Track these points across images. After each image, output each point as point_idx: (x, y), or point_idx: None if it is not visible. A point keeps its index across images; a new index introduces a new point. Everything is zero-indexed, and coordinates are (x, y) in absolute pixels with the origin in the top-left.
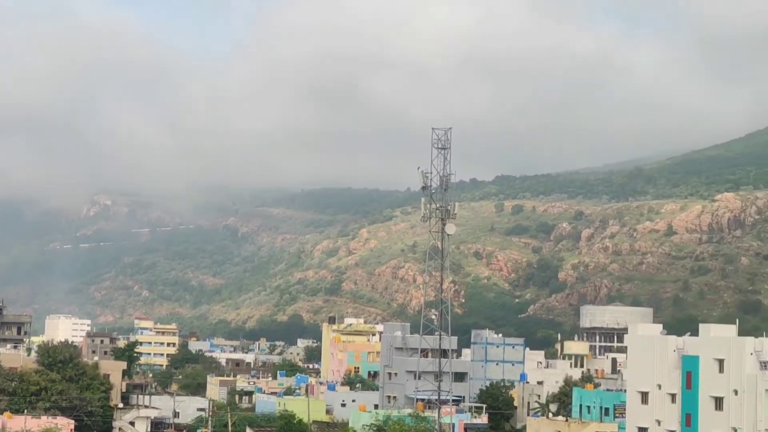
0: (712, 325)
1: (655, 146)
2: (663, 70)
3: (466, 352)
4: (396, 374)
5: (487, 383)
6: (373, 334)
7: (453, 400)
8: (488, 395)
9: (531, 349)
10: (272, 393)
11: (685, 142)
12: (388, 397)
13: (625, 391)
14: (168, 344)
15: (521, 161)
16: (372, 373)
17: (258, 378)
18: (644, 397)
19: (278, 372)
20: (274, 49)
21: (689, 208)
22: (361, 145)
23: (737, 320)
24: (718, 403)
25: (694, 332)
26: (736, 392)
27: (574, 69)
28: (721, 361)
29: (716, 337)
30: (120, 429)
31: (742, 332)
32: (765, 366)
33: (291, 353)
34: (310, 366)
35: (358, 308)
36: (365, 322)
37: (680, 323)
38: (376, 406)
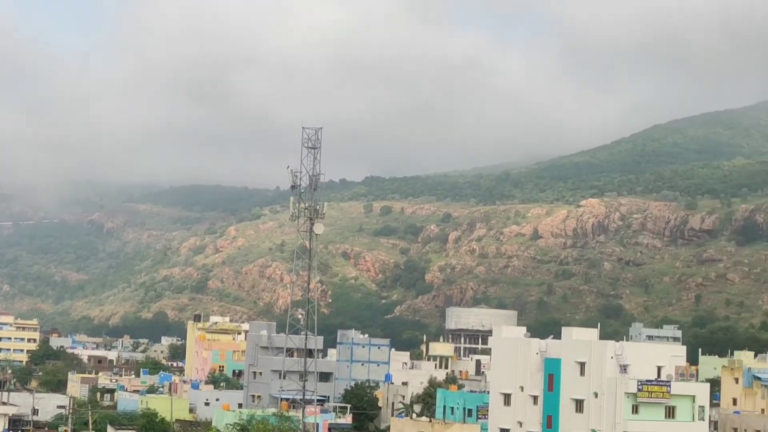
0: (574, 328)
1: (522, 151)
2: (532, 76)
3: (332, 352)
4: (261, 373)
5: (352, 383)
6: (239, 333)
7: (317, 400)
8: (353, 395)
9: (396, 349)
10: (135, 391)
11: (552, 148)
12: (253, 396)
13: (489, 392)
14: (28, 340)
15: (391, 163)
16: (237, 372)
17: (120, 376)
18: (507, 398)
19: (141, 370)
20: (146, 46)
21: (555, 213)
22: (230, 143)
23: (599, 324)
24: (579, 405)
25: (557, 335)
26: (596, 395)
27: (445, 72)
28: (582, 364)
29: (578, 341)
30: None
31: (603, 336)
32: (624, 369)
33: (155, 351)
34: (174, 364)
35: (224, 307)
36: (231, 321)
37: (544, 326)
38: (240, 406)
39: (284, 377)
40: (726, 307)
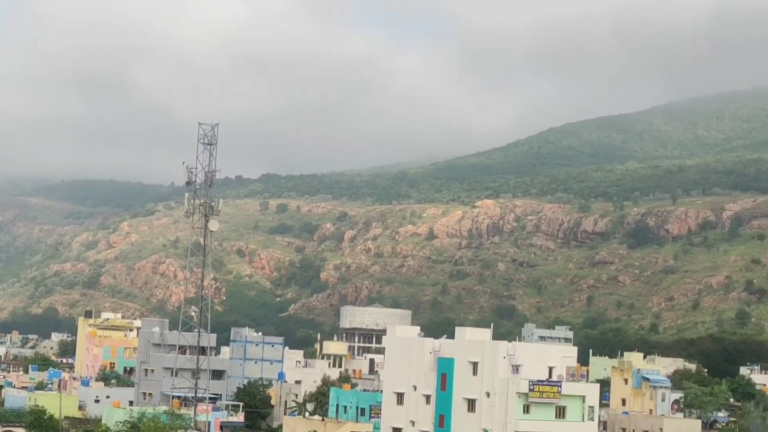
0: (467, 328)
1: (419, 151)
2: (430, 77)
3: (225, 350)
4: (153, 371)
5: (245, 381)
6: (131, 330)
7: (210, 398)
8: (246, 393)
9: (290, 348)
10: (23, 387)
11: (448, 149)
12: (144, 393)
13: (382, 391)
14: None
15: (287, 160)
16: (128, 369)
17: (8, 372)
18: (400, 397)
19: (30, 366)
20: (39, 36)
21: (450, 213)
22: (125, 138)
23: (492, 324)
24: (471, 404)
25: (451, 335)
26: (488, 394)
27: (342, 71)
28: (475, 364)
29: (471, 341)
30: None
31: (496, 336)
32: (517, 369)
33: (44, 347)
34: (64, 361)
35: (116, 303)
36: (123, 317)
37: (437, 326)
38: (131, 403)
39: (176, 375)
40: (617, 308)
